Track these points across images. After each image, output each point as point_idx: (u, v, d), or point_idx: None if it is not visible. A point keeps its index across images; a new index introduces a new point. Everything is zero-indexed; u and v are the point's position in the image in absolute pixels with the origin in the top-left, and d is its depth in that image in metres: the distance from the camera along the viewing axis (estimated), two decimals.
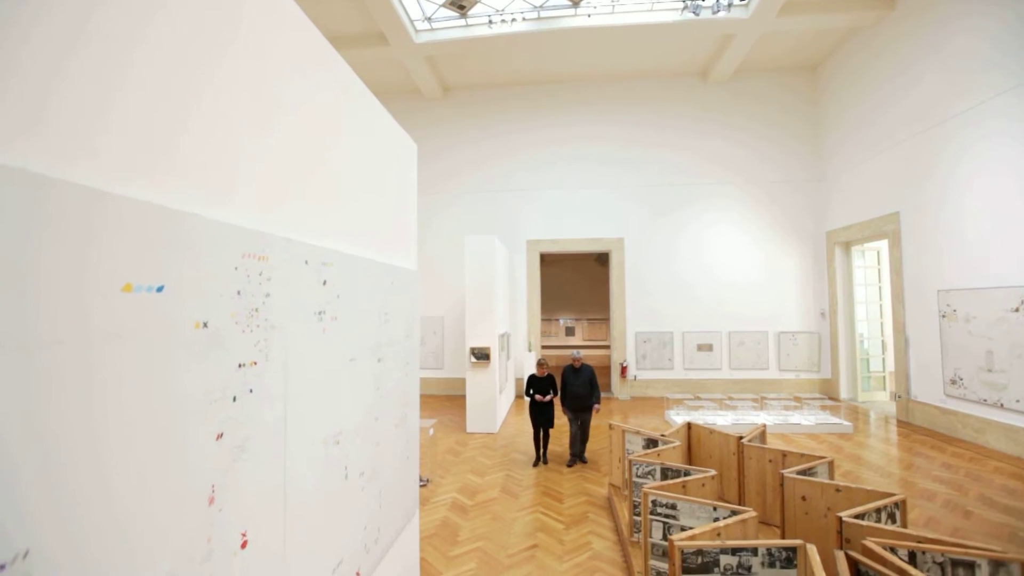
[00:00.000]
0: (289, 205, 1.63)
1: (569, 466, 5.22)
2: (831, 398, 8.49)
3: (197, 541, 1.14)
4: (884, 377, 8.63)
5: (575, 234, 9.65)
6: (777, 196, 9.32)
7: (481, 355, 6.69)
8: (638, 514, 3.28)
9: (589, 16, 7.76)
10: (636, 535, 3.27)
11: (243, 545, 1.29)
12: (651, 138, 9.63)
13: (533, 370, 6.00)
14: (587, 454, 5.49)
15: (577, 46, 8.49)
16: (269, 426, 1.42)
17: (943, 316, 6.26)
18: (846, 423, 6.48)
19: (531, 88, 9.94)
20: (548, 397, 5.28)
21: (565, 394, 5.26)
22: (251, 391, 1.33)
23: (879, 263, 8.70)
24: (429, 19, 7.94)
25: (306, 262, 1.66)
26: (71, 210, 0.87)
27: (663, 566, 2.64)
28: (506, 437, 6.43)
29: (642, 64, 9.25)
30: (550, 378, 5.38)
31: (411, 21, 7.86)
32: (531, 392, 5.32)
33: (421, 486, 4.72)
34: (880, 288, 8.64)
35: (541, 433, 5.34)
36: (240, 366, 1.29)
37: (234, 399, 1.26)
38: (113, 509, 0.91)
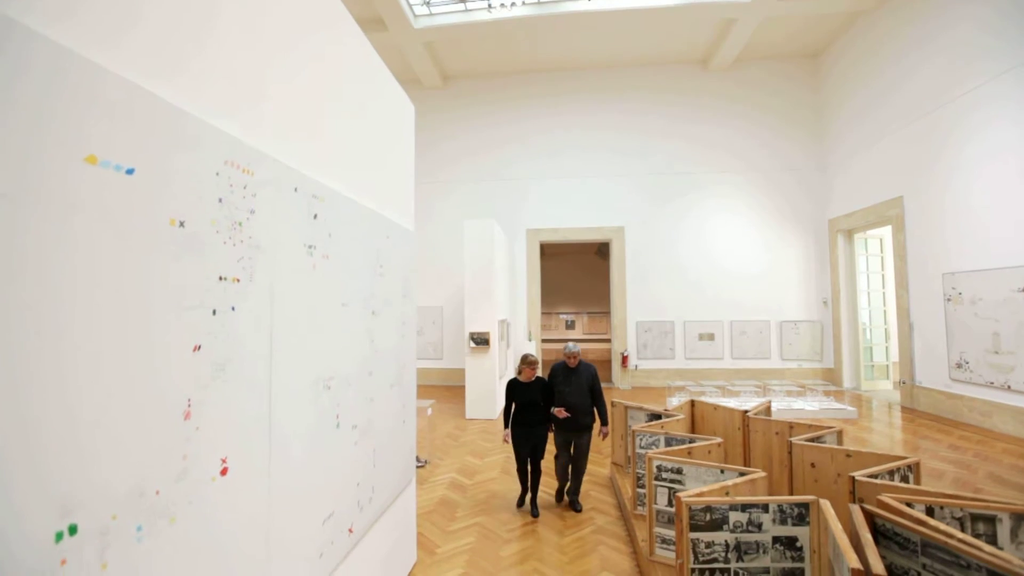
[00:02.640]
0: (281, 127, 1.56)
1: (558, 501, 3.67)
2: (834, 386, 8.40)
3: (171, 457, 1.05)
4: (887, 366, 8.55)
5: (575, 223, 9.57)
6: (779, 184, 9.25)
7: (480, 340, 6.60)
8: (642, 486, 3.19)
9: (589, 0, 7.69)
10: (640, 507, 3.17)
11: (223, 472, 1.21)
12: (652, 126, 9.56)
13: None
14: (581, 497, 3.72)
15: (577, 31, 8.42)
16: (253, 352, 1.33)
17: (948, 299, 6.18)
18: (850, 408, 6.39)
19: (531, 76, 9.87)
20: (561, 413, 3.48)
21: (552, 405, 3.61)
22: (233, 309, 1.25)
23: (881, 251, 8.62)
24: (428, 3, 7.87)
25: (295, 189, 1.57)
26: (44, 63, 0.78)
27: (669, 532, 2.55)
28: None
29: (643, 51, 9.18)
30: (540, 384, 3.60)
31: (410, 5, 7.79)
32: (513, 407, 3.59)
33: (419, 467, 4.63)
34: (883, 276, 8.56)
35: (530, 466, 3.60)
36: (221, 279, 1.21)
37: (214, 312, 1.18)
38: (71, 406, 0.82)
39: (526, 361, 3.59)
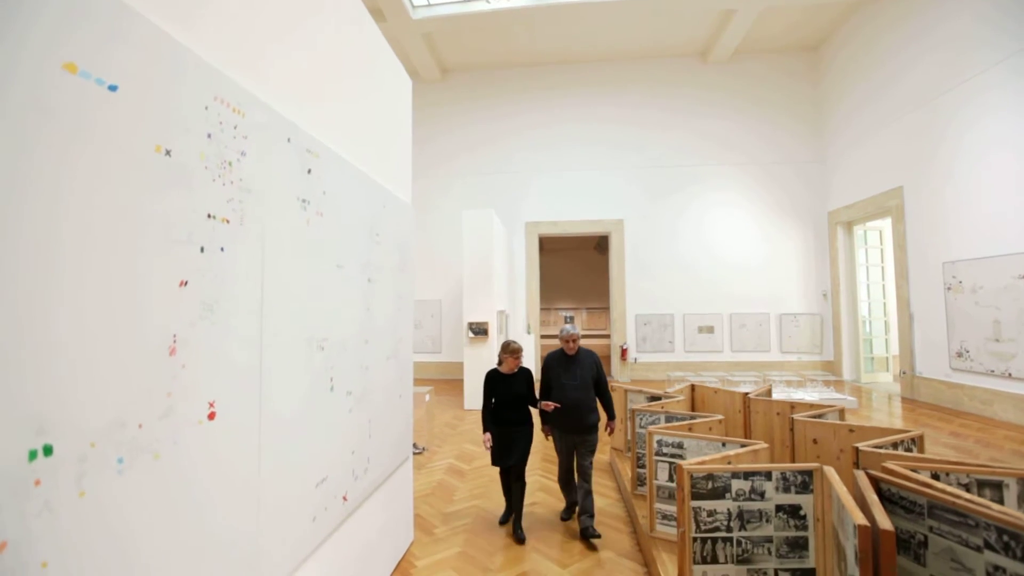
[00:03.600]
0: (277, 80, 1.52)
1: (565, 519, 3.07)
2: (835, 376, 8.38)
3: (155, 394, 1.01)
4: (887, 358, 8.52)
5: (574, 216, 9.53)
6: (778, 177, 9.23)
7: (479, 330, 6.56)
8: (642, 466, 3.15)
9: None
10: (640, 488, 3.14)
11: (211, 416, 1.17)
12: (651, 119, 9.53)
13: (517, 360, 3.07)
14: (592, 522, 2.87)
15: (576, 23, 8.39)
16: (243, 297, 1.29)
17: (948, 288, 6.16)
18: (850, 398, 6.36)
19: (530, 69, 9.84)
20: (550, 407, 2.88)
21: (548, 400, 2.94)
22: (222, 249, 1.21)
23: (881, 243, 8.60)
24: None
25: (288, 139, 1.54)
26: None
27: (670, 508, 2.51)
28: None
29: (642, 43, 9.16)
30: (526, 375, 3.02)
31: None
32: (491, 404, 2.94)
33: (416, 454, 4.58)
34: (883, 268, 8.54)
35: (512, 479, 2.95)
36: (210, 216, 1.17)
37: (202, 250, 1.14)
38: (46, 321, 0.78)
39: (508, 349, 2.94)
